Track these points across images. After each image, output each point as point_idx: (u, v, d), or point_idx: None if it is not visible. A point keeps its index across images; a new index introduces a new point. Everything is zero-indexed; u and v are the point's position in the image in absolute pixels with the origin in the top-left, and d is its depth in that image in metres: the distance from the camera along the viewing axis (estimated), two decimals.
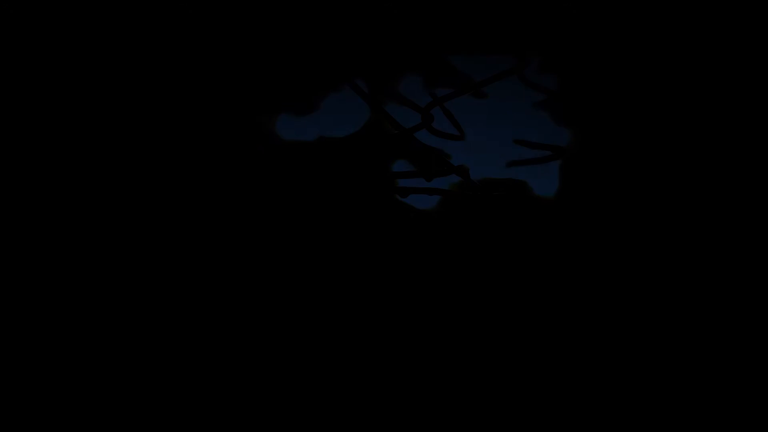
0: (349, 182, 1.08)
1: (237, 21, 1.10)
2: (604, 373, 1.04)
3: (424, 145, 1.09)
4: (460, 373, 1.05)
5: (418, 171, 1.09)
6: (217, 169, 1.07)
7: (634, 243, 1.07)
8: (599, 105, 1.10)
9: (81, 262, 1.05)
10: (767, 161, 1.08)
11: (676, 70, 1.10)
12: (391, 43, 1.10)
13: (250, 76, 1.10)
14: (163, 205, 1.06)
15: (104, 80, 1.08)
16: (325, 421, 1.03)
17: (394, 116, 1.09)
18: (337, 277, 1.06)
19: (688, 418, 1.03)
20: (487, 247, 1.08)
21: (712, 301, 1.05)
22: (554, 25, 1.10)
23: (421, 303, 1.06)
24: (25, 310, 1.04)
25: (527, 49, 1.10)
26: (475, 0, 1.10)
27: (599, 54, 1.10)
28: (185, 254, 1.06)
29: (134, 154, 1.07)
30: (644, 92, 1.10)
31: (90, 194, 1.06)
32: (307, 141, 1.09)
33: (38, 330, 1.04)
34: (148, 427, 1.02)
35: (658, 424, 1.03)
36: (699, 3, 1.10)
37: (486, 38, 1.10)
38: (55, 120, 1.07)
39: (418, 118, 1.10)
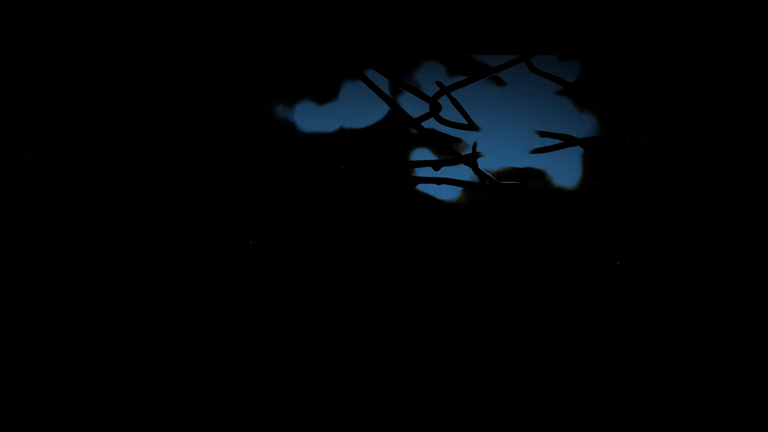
0: (364, 173, 1.08)
1: (253, 13, 1.10)
2: (623, 366, 1.04)
3: (432, 134, 1.08)
4: (466, 367, 1.05)
5: (427, 160, 1.08)
6: (235, 161, 1.08)
7: (657, 236, 1.05)
8: (622, 96, 1.09)
9: (98, 259, 1.07)
10: None
11: (701, 62, 1.08)
12: (403, 36, 1.10)
13: (266, 68, 1.11)
14: (180, 197, 1.08)
15: (121, 72, 1.09)
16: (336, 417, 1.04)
17: (404, 107, 1.09)
18: (351, 268, 1.07)
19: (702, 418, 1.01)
20: (495, 235, 1.07)
21: (734, 297, 1.03)
22: (571, 15, 1.09)
23: (432, 292, 1.06)
24: (25, 310, 1.05)
25: (538, 42, 1.09)
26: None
27: (620, 45, 1.09)
28: (207, 244, 1.07)
29: (153, 146, 1.09)
30: (670, 82, 1.08)
31: (104, 189, 1.08)
32: (327, 132, 1.10)
33: (38, 329, 1.05)
34: (148, 427, 1.03)
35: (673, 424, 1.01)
36: None
37: (497, 36, 1.10)
38: (68, 117, 1.09)
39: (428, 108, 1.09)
